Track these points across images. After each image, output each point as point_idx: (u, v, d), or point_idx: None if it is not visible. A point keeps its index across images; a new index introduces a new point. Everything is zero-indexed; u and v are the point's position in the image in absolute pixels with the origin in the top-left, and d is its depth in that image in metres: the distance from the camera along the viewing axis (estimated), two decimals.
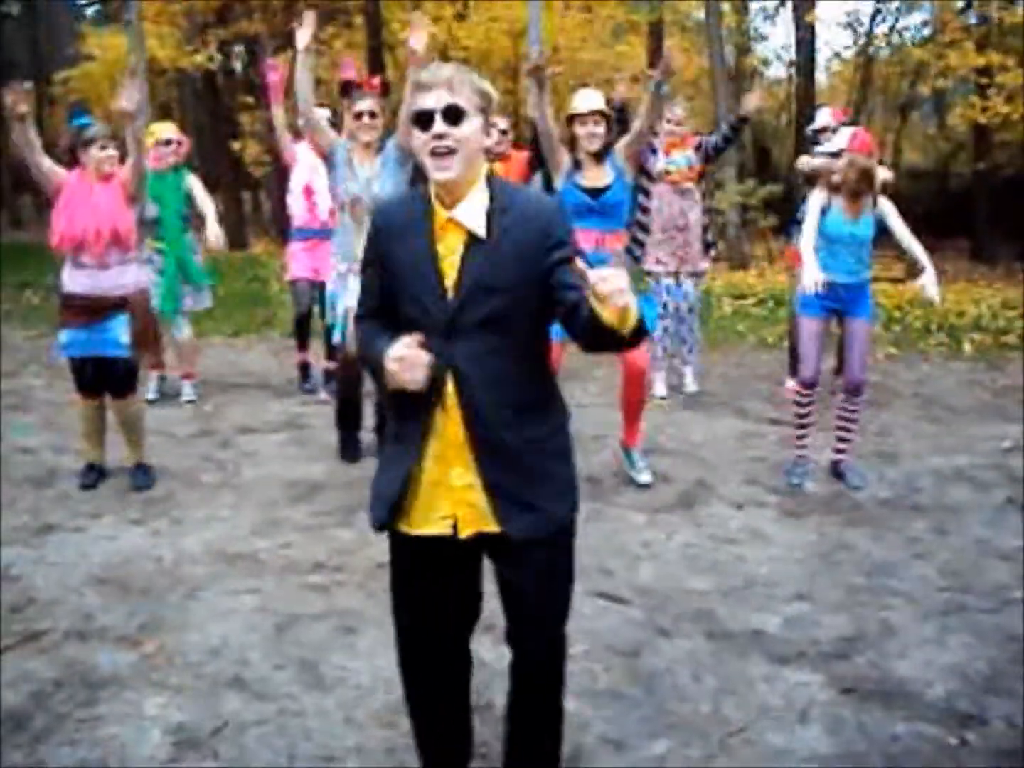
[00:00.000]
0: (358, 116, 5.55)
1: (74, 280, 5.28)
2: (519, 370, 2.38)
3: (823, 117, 7.29)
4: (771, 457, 5.92)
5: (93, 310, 5.27)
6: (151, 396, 7.29)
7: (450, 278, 2.32)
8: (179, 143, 7.14)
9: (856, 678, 3.49)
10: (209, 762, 3.05)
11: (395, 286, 2.40)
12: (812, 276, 5.02)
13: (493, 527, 2.40)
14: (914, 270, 15.67)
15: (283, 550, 4.64)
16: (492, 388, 2.34)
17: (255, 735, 3.18)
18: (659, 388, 7.39)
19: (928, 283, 5.23)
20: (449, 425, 2.37)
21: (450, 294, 2.32)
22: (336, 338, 5.79)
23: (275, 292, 12.35)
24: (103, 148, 5.22)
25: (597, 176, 5.31)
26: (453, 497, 2.41)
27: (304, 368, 7.71)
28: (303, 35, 5.49)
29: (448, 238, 2.34)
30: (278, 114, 7.11)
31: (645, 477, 5.54)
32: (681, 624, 3.89)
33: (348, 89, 5.79)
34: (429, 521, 2.44)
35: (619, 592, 4.16)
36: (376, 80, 5.96)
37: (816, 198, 5.38)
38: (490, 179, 2.37)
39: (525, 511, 2.39)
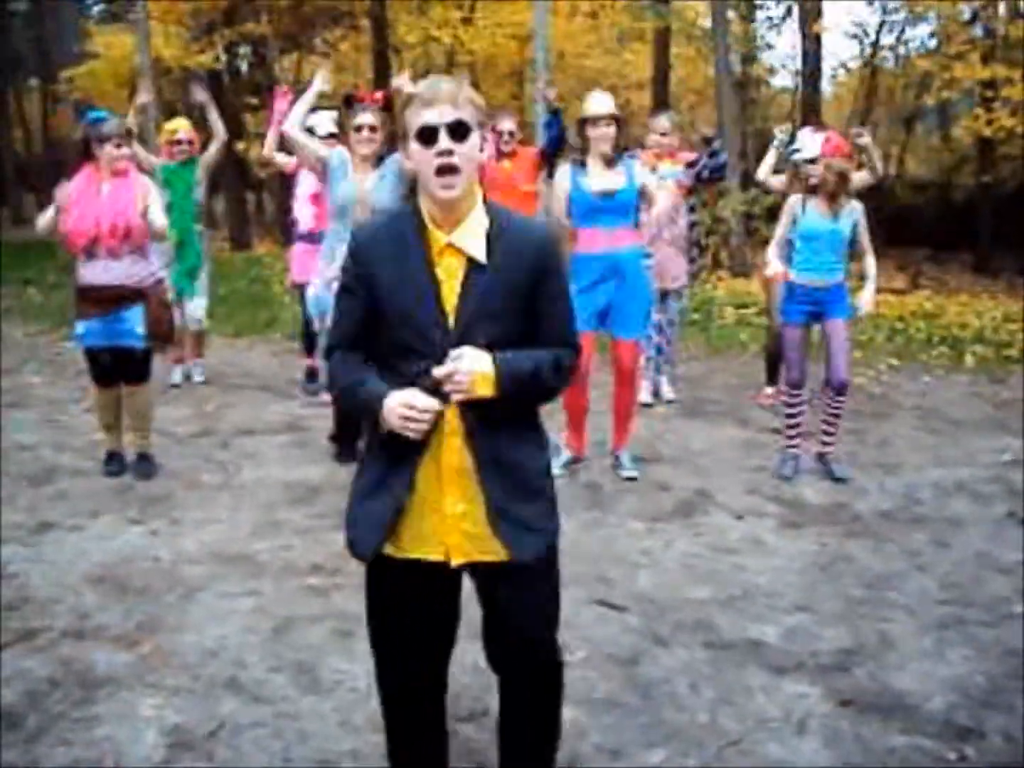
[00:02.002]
0: (358, 129, 5.62)
1: (89, 272, 5.35)
2: None
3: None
4: (772, 467, 5.90)
5: (108, 300, 5.34)
6: (177, 380, 7.79)
7: (450, 303, 2.28)
8: (191, 142, 7.35)
9: (855, 690, 3.48)
10: (204, 764, 3.03)
11: (384, 311, 2.31)
12: (774, 267, 5.64)
13: (486, 556, 2.36)
14: (917, 281, 15.56)
15: (281, 552, 4.63)
16: (494, 412, 2.30)
17: (251, 737, 3.16)
18: (644, 395, 7.36)
19: (866, 296, 5.59)
20: (446, 451, 2.32)
21: (450, 319, 2.28)
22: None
23: (277, 293, 12.34)
24: (119, 146, 5.26)
25: (607, 178, 5.45)
26: (445, 524, 2.35)
27: (311, 372, 7.72)
28: (321, 79, 5.65)
29: (446, 262, 2.29)
30: (271, 140, 7.20)
31: (630, 472, 5.71)
32: (679, 633, 3.88)
33: (351, 102, 5.84)
34: (419, 546, 2.37)
35: (618, 600, 4.15)
36: (379, 95, 6.00)
37: (789, 207, 5.71)
38: (485, 201, 2.34)
39: (528, 533, 2.36)
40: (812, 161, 5.55)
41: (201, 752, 3.09)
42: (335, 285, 5.52)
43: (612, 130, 5.42)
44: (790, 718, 3.30)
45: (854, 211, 5.56)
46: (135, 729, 3.20)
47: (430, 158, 2.23)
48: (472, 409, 2.29)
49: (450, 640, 2.59)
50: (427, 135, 2.23)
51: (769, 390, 7.54)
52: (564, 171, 5.66)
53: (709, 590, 4.28)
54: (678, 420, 7.02)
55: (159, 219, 5.40)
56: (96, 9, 28.76)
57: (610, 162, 5.46)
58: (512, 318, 2.31)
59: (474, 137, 2.26)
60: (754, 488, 5.59)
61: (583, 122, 5.49)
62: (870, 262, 5.65)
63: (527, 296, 2.31)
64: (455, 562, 2.37)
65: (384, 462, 2.38)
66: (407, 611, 2.46)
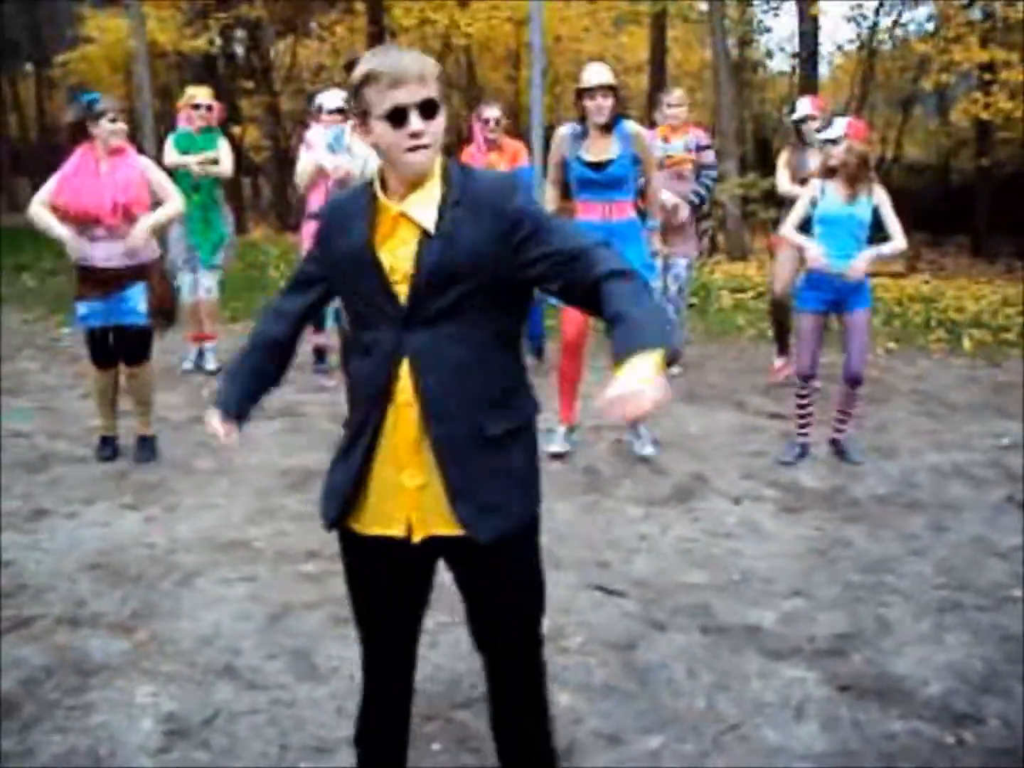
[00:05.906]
0: None
1: (89, 253, 5.33)
2: (482, 362, 2.26)
3: (804, 106, 7.32)
4: (769, 451, 5.88)
5: (110, 280, 5.34)
6: (212, 367, 7.62)
7: (401, 272, 2.22)
8: (209, 108, 7.40)
9: (852, 675, 3.47)
10: (199, 752, 3.03)
11: (338, 281, 2.35)
12: (813, 252, 5.39)
13: (450, 530, 2.28)
14: (914, 265, 15.52)
15: (277, 538, 4.61)
16: (450, 381, 2.22)
17: (246, 725, 3.16)
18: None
19: (858, 262, 5.38)
20: (401, 422, 2.25)
21: (402, 287, 2.22)
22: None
23: (274, 279, 12.30)
24: (113, 120, 5.30)
25: (602, 149, 5.44)
26: (405, 499, 2.29)
27: (319, 352, 7.64)
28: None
29: (401, 231, 2.24)
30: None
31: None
32: (677, 618, 3.87)
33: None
34: (380, 522, 2.32)
35: (615, 585, 4.14)
36: None
37: (809, 189, 5.61)
38: (446, 169, 2.27)
39: (489, 512, 2.26)
40: (834, 142, 5.46)
41: (197, 739, 3.08)
42: None
43: (609, 101, 5.36)
44: (787, 703, 3.30)
45: (875, 197, 5.41)
46: (130, 717, 3.19)
47: (400, 138, 2.17)
48: (429, 375, 2.22)
49: (416, 619, 2.50)
50: (397, 116, 2.17)
51: (778, 362, 7.50)
52: (562, 137, 5.59)
53: (706, 575, 4.27)
54: (675, 404, 6.98)
55: (170, 188, 5.47)
56: None
57: (607, 131, 5.42)
58: (478, 282, 2.21)
59: (442, 112, 2.22)
60: (751, 473, 5.57)
61: (580, 93, 5.46)
62: (891, 243, 5.48)
63: (497, 256, 2.20)
64: (416, 538, 2.30)
65: (350, 433, 2.37)
66: (371, 587, 2.43)
